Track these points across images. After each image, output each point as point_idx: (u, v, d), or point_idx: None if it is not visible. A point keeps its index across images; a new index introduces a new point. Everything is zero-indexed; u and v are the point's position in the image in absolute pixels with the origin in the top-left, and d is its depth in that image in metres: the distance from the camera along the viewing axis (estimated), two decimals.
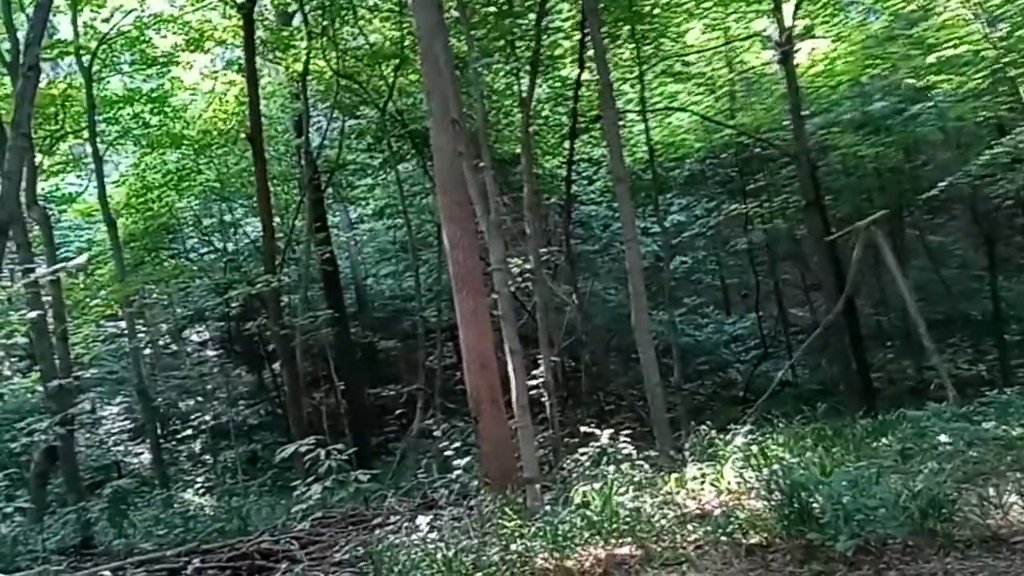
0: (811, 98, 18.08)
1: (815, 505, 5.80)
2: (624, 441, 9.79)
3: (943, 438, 7.59)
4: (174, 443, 18.57)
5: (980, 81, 16.62)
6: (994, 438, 8.20)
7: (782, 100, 17.40)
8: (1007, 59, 15.86)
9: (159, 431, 17.69)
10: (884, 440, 9.20)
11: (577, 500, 7.49)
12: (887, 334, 20.65)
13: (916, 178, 19.93)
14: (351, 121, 18.35)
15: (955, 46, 16.56)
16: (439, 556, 6.24)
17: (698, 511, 7.12)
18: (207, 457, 18.49)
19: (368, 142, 18.75)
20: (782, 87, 17.16)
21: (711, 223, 19.62)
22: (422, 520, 7.77)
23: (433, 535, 7.21)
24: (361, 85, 17.03)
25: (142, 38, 16.55)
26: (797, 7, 16.35)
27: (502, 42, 15.32)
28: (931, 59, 16.85)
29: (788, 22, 16.01)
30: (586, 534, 6.50)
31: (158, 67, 17.57)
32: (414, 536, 7.28)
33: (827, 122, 18.57)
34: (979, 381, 15.44)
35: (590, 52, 13.97)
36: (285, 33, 17.11)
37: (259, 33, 16.38)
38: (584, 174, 19.49)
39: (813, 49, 18.19)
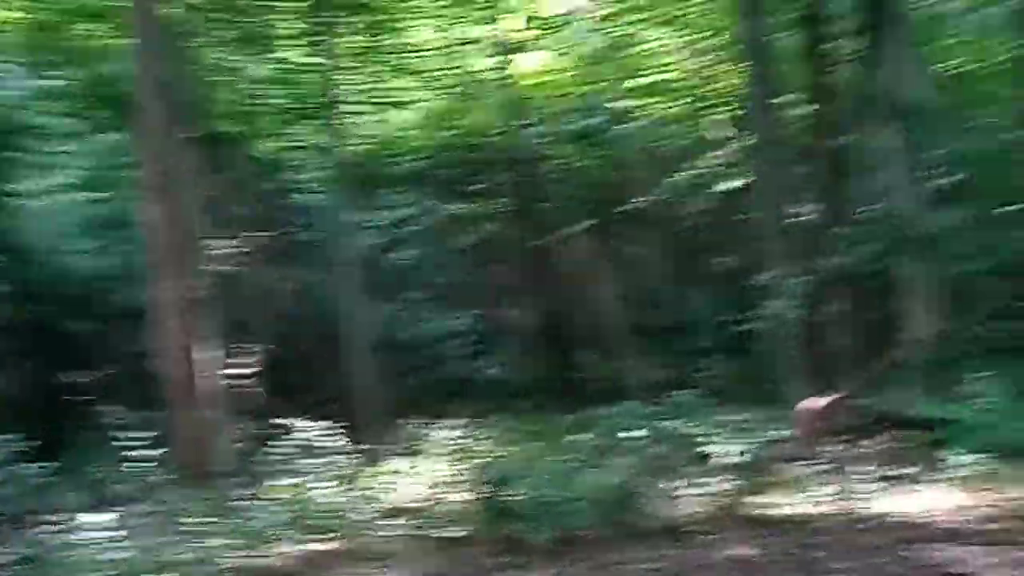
0: (531, 107, 18.72)
1: (517, 499, 5.94)
2: (331, 433, 9.58)
3: (634, 434, 8.04)
4: None
5: (678, 107, 18.09)
6: (674, 435, 8.84)
7: (503, 106, 17.91)
8: (700, 90, 17.38)
9: None
10: (581, 436, 9.66)
11: (275, 495, 7.20)
12: (588, 336, 21.81)
13: (620, 192, 21.33)
14: (48, 82, 16.61)
15: (658, 73, 17.92)
16: (118, 556, 5.72)
17: (401, 505, 7.08)
18: None
19: (69, 105, 17.06)
20: (503, 94, 17.65)
21: (433, 220, 19.74)
22: (102, 517, 7.12)
23: (114, 533, 6.62)
24: (61, 41, 15.49)
25: None
26: (522, 19, 16.94)
27: (223, 13, 14.54)
28: (637, 82, 18.14)
29: (512, 32, 16.53)
30: (282, 530, 6.24)
31: None
32: (92, 534, 6.65)
33: (544, 132, 19.37)
34: (662, 383, 16.70)
35: (319, 36, 13.65)
36: None
37: None
38: (306, 161, 18.94)
39: (534, 61, 18.91)
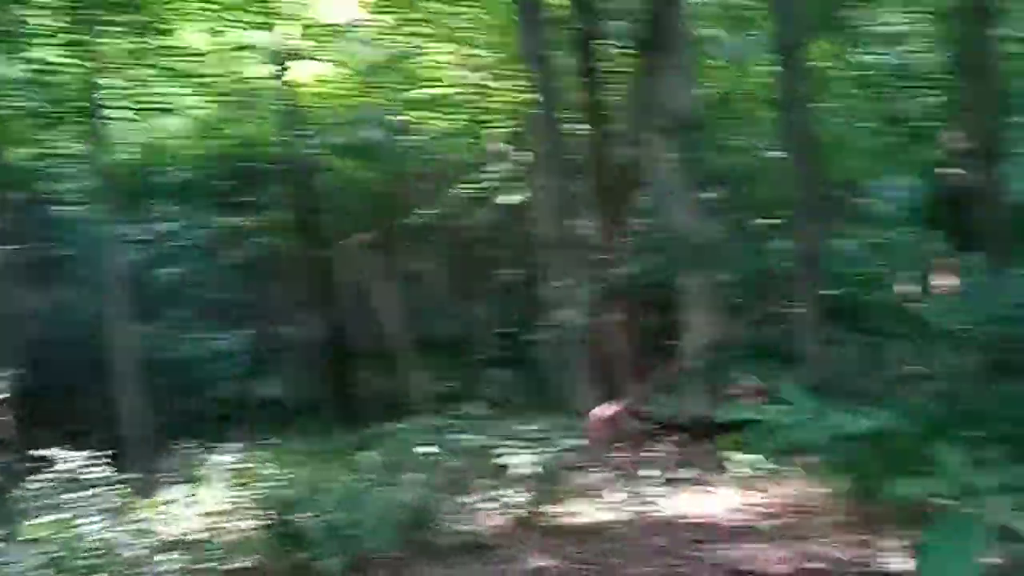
0: (308, 118, 18.28)
1: (305, 524, 5.65)
2: (97, 463, 8.80)
3: (425, 450, 7.91)
4: None
5: (458, 122, 18.27)
6: (464, 448, 8.79)
7: (280, 116, 17.38)
8: (480, 105, 17.63)
9: None
10: (368, 453, 9.42)
11: (35, 535, 6.48)
12: (369, 352, 21.54)
13: (400, 206, 21.26)
14: None
15: (438, 86, 18.02)
16: None
17: (178, 538, 6.57)
18: None
19: None
20: (280, 103, 17.12)
21: (203, 234, 18.82)
22: None
23: None
24: None
25: None
26: (299, 27, 16.52)
27: None
28: (416, 95, 18.14)
29: (288, 40, 16.06)
30: (41, 573, 5.62)
31: None
32: None
33: (322, 143, 18.97)
34: (447, 396, 16.76)
35: (78, 35, 12.64)
36: None
37: None
38: (64, 169, 17.53)
39: (313, 71, 18.49)
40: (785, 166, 9.24)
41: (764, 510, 5.20)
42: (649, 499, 5.77)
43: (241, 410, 16.38)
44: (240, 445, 10.38)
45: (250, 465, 9.05)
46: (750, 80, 15.90)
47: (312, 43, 17.51)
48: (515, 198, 17.04)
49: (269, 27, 16.06)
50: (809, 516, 4.94)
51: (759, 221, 17.93)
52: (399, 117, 20.08)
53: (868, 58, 15.21)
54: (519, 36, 8.97)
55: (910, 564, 4.02)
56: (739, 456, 5.72)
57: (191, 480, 8.79)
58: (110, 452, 10.03)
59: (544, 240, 12.81)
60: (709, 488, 5.91)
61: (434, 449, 8.51)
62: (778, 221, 17.87)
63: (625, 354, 10.71)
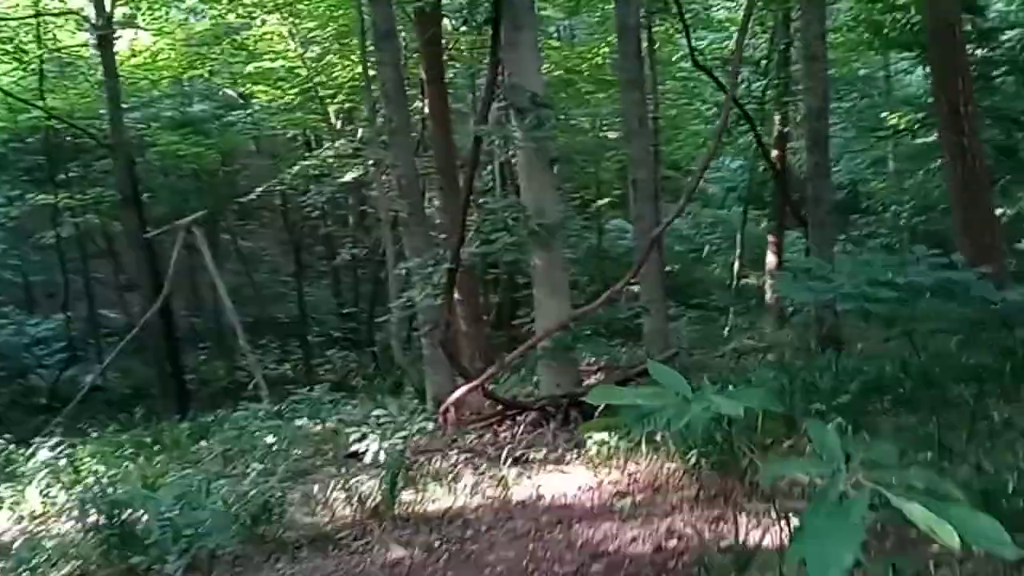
0: (131, 90, 17.23)
1: (138, 523, 5.25)
2: None
3: (269, 439, 7.55)
4: None
5: (294, 96, 17.66)
6: (309, 435, 8.48)
7: (99, 88, 16.27)
8: (317, 79, 17.09)
9: None
10: (204, 443, 8.95)
11: None
12: (200, 335, 20.64)
13: (232, 183, 20.40)
14: None
15: (272, 60, 17.32)
16: None
17: None
18: None
19: None
20: (100, 74, 16.02)
21: (13, 213, 17.48)
22: None
23: None
24: None
25: None
26: None
27: None
28: (250, 68, 17.38)
29: (108, 7, 15.01)
30: None
31: None
32: None
33: (147, 117, 17.93)
34: (286, 380, 16.25)
35: None
36: None
37: None
38: None
39: (135, 39, 17.40)
40: (623, 146, 9.36)
41: (622, 489, 5.21)
42: (507, 481, 5.68)
43: (58, 400, 15.36)
44: (62, 439, 9.69)
45: (73, 460, 8.44)
46: (587, 60, 16.12)
47: (136, 11, 16.47)
48: (352, 175, 16.65)
49: None
50: (666, 493, 4.98)
51: (599, 201, 18.34)
52: (230, 90, 19.26)
53: (702, 43, 15.67)
54: (369, 9, 8.63)
55: (768, 538, 4.09)
56: (593, 436, 5.72)
57: (8, 478, 8.10)
58: None
59: (388, 218, 12.54)
60: (565, 469, 5.88)
61: (276, 436, 8.17)
62: (615, 200, 18.37)
63: (473, 334, 10.64)
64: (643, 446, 5.47)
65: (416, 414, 7.71)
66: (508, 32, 7.09)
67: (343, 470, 6.46)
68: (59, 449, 9.12)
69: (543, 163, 7.20)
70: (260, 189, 17.45)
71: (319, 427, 8.75)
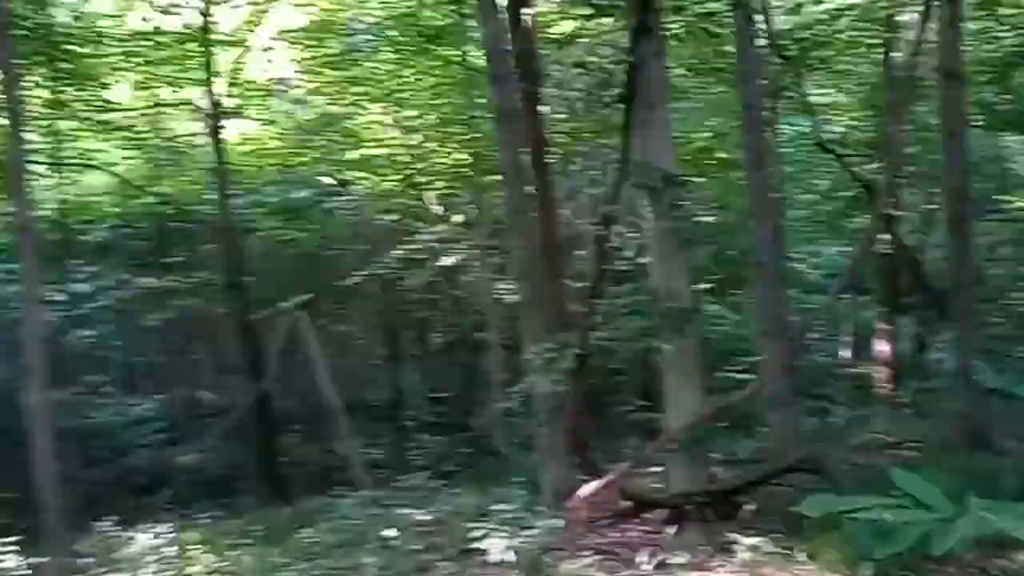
0: (239, 177, 17.69)
1: None
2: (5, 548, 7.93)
3: (381, 531, 7.26)
4: None
5: (394, 184, 17.93)
6: (416, 524, 8.16)
7: (209, 174, 16.76)
8: (418, 167, 17.33)
9: None
10: (311, 532, 8.70)
11: None
12: (293, 418, 20.67)
13: (331, 268, 20.64)
14: None
15: (374, 146, 17.67)
16: None
17: None
18: None
19: None
20: (210, 161, 16.52)
21: (121, 295, 17.89)
22: None
23: None
24: None
25: None
26: (231, 85, 16.07)
27: None
28: (352, 155, 17.75)
29: (220, 98, 15.56)
30: None
31: None
32: None
33: (252, 203, 18.33)
34: (377, 464, 16.06)
35: None
36: None
37: None
38: None
39: (243, 129, 17.95)
40: (749, 226, 9.07)
41: None
42: None
43: (160, 481, 15.40)
44: (163, 521, 9.55)
45: (177, 547, 8.27)
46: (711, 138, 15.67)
47: (244, 101, 17.02)
48: (452, 259, 16.67)
49: (202, 84, 15.47)
50: None
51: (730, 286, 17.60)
52: (332, 177, 19.64)
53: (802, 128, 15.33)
54: (492, 91, 8.61)
55: None
56: (744, 538, 5.30)
57: (112, 565, 7.96)
58: (24, 530, 9.11)
59: (491, 302, 12.36)
60: (710, 574, 5.45)
61: (386, 528, 7.86)
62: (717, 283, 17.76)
63: (596, 426, 10.25)
64: (802, 550, 5.01)
65: (532, 507, 7.35)
66: (641, 111, 6.95)
67: (465, 567, 6.13)
68: (164, 534, 8.97)
69: (677, 244, 6.96)
70: (361, 274, 17.56)
71: (428, 517, 8.44)
